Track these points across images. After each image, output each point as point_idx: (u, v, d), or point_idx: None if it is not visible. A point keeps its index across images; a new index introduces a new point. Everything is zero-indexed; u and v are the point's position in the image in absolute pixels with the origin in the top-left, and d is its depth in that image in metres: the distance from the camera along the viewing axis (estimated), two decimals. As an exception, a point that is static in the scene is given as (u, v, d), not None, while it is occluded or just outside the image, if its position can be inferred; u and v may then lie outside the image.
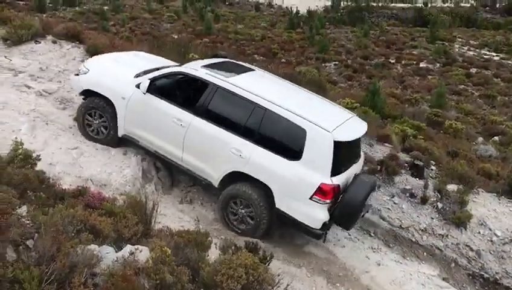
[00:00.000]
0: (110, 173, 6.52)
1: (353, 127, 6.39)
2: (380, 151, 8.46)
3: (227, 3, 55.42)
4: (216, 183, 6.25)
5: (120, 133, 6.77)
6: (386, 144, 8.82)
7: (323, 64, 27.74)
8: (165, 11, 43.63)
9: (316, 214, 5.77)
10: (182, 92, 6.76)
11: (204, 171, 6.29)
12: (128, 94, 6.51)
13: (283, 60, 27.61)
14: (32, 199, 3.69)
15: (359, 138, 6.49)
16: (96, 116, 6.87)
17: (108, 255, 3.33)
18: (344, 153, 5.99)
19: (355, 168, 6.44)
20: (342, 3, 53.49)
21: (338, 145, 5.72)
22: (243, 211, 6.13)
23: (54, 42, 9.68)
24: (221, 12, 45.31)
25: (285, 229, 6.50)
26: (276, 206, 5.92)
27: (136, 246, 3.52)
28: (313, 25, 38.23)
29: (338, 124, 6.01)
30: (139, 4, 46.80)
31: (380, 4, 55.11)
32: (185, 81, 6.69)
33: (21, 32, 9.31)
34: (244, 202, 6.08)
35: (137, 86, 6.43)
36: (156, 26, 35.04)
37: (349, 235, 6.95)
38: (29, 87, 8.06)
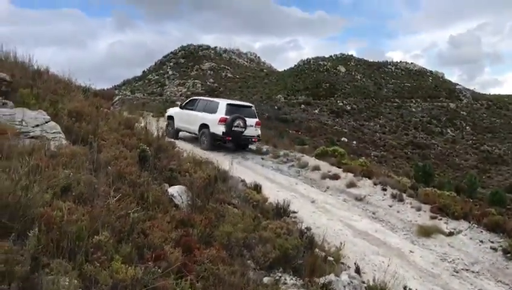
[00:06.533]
0: None
1: (240, 103, 18.85)
2: None
3: None
4: (197, 132, 16.85)
5: (175, 127, 18.05)
6: None
7: None
8: None
9: (220, 129, 15.68)
10: (191, 105, 18.08)
11: (194, 130, 17.03)
12: (178, 111, 18.51)
13: None
14: None
15: (243, 106, 17.44)
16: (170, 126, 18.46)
17: None
18: (233, 109, 16.25)
19: (249, 120, 16.33)
20: None
21: (229, 105, 16.39)
22: (203, 138, 16.50)
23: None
24: None
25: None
26: (211, 131, 16.02)
27: None
28: None
29: (231, 101, 18.17)
30: None
31: None
32: (192, 101, 18.54)
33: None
34: (204, 134, 16.44)
35: (180, 107, 18.73)
36: None
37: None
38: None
